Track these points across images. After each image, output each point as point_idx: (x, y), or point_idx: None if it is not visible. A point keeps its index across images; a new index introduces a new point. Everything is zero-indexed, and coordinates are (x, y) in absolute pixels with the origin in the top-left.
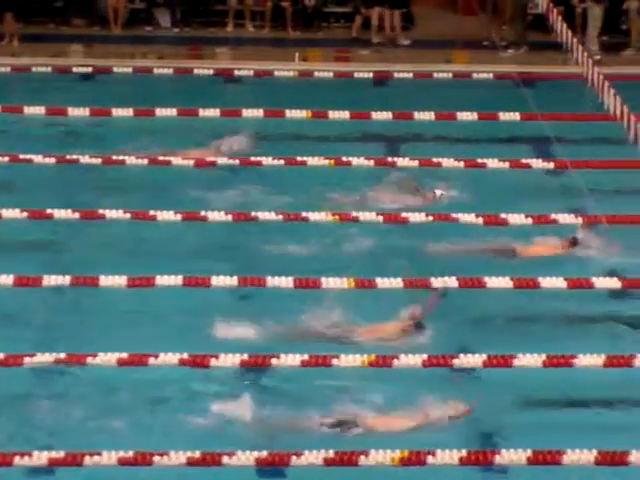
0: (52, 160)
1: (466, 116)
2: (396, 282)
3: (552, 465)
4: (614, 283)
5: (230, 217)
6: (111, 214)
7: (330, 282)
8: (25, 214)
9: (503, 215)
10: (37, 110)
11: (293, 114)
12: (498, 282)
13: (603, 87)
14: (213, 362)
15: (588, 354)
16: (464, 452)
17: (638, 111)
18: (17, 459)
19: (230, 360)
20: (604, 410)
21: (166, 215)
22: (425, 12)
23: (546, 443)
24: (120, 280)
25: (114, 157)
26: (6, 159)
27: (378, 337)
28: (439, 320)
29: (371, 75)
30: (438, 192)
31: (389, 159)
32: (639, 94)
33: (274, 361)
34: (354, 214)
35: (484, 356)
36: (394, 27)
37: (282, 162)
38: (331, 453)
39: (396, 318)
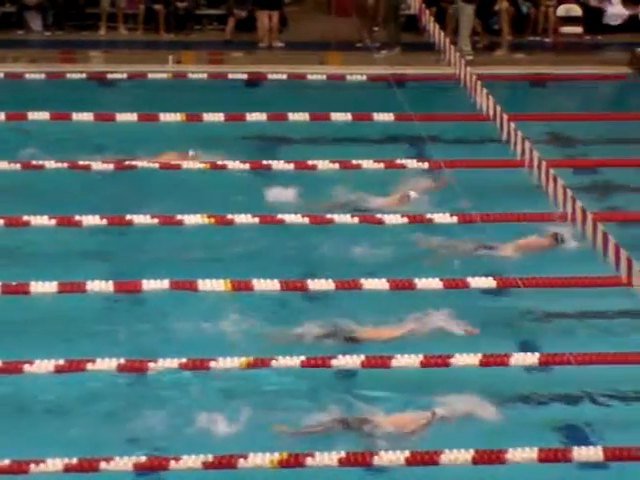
0: None
1: (340, 117)
2: (272, 284)
3: (430, 465)
4: (489, 282)
5: (105, 221)
6: None
7: (207, 284)
8: None
9: (379, 215)
10: None
11: (167, 117)
12: (374, 284)
13: (476, 87)
14: (89, 367)
15: (465, 353)
16: (343, 453)
17: (510, 110)
18: None
19: (107, 364)
20: (481, 409)
21: (40, 220)
22: (298, 14)
23: (424, 443)
24: None
25: None
26: None
27: (383, 340)
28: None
29: (245, 76)
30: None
31: (264, 162)
32: (511, 94)
33: (151, 365)
34: (229, 217)
35: (362, 357)
36: (272, 28)
37: (157, 165)
38: (210, 457)
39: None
